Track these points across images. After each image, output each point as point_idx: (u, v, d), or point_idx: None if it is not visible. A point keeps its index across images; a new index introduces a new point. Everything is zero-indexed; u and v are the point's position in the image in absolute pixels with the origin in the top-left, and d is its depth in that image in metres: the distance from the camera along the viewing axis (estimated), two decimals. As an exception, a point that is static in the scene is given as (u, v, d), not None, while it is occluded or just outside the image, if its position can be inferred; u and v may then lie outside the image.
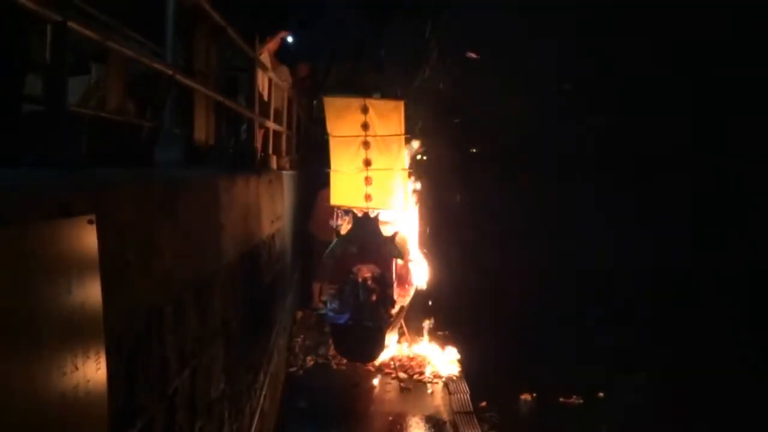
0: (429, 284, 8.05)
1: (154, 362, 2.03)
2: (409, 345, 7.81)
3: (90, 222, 1.55)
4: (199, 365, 2.56)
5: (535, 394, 7.47)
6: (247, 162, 4.91)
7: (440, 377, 7.08)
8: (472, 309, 9.01)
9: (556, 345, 8.31)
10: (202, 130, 4.09)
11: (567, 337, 8.52)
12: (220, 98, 4.03)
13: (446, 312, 8.72)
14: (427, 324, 8.10)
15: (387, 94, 9.09)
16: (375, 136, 6.72)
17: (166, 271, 2.12)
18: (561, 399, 7.40)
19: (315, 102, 10.17)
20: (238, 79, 5.59)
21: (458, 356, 7.64)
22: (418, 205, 8.45)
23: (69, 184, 1.64)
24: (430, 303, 8.31)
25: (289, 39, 8.27)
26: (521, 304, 9.38)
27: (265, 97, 6.62)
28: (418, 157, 9.44)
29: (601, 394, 7.55)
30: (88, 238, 1.54)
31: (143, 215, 1.96)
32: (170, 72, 2.90)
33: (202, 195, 2.80)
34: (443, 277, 8.41)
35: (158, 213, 2.11)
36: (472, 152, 14.00)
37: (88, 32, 2.05)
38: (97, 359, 1.59)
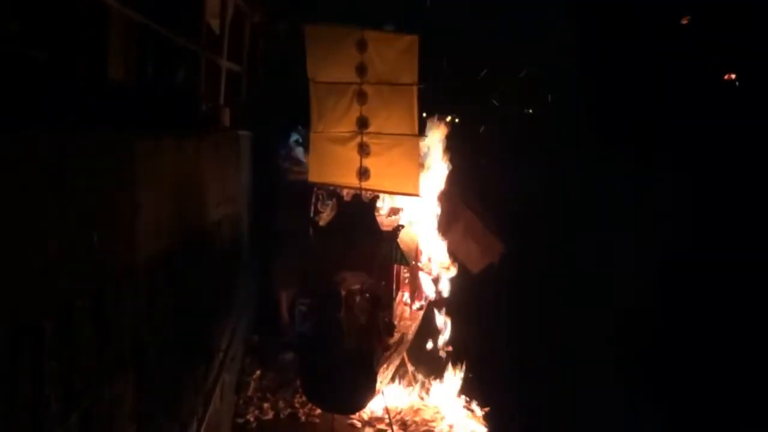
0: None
1: (26, 402, 2.03)
2: (414, 390, 7.84)
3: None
4: (95, 409, 2.55)
5: None
6: (187, 115, 4.92)
7: (457, 440, 7.14)
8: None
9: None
10: (120, 64, 4.09)
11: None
12: (148, 21, 4.02)
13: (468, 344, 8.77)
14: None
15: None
16: (375, 83, 6.65)
17: (49, 265, 2.12)
18: None
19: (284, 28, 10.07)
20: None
21: (483, 410, 7.67)
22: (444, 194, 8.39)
23: None
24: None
25: None
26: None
27: (217, 25, 6.59)
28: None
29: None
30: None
31: (19, 186, 1.95)
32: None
33: (108, 161, 2.80)
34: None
35: (41, 184, 2.11)
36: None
37: None
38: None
